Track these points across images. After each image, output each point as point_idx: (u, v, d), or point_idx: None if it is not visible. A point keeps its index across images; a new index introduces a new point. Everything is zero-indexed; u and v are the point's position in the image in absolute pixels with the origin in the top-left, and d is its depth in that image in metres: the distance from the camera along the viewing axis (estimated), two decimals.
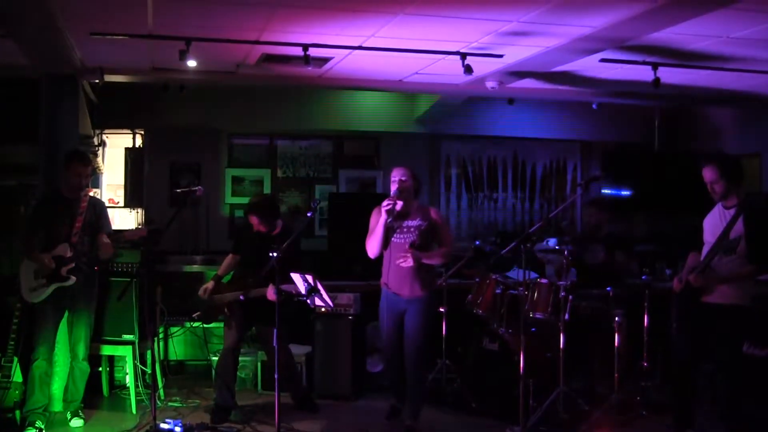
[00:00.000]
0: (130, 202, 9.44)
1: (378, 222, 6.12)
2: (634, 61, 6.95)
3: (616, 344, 6.68)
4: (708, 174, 5.48)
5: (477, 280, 7.19)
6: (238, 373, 7.11)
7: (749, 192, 6.45)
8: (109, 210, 6.73)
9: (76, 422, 6.42)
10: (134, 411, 6.86)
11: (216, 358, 6.99)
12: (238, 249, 6.87)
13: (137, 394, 6.95)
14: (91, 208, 6.40)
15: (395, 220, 6.19)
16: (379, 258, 6.28)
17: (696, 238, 5.68)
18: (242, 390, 7.42)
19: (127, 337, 6.94)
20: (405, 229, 6.18)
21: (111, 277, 6.93)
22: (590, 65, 7.21)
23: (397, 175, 6.16)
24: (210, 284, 6.66)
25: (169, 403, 7.07)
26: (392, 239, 6.21)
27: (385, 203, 6.03)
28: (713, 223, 5.54)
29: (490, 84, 8.00)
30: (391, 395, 6.68)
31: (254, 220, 6.58)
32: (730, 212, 5.40)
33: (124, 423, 6.52)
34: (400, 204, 6.12)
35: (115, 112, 9.00)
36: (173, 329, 8.02)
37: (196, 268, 8.43)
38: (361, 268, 7.99)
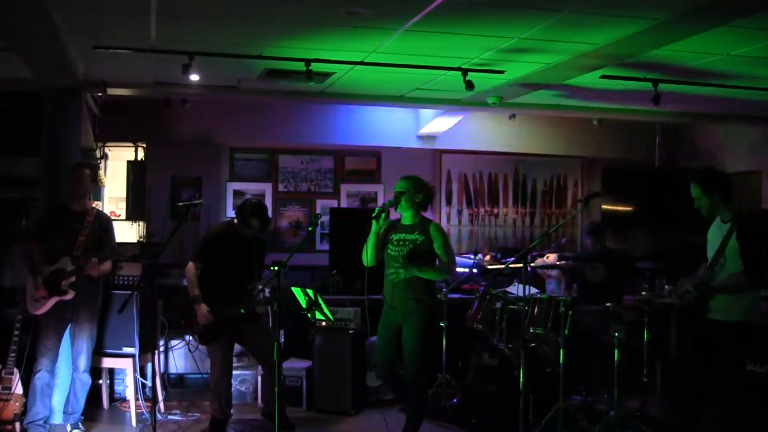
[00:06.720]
0: (131, 215, 9.44)
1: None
2: (635, 78, 6.97)
3: (615, 360, 6.67)
4: (692, 192, 5.56)
5: (477, 295, 7.19)
6: (238, 386, 7.07)
7: (748, 209, 6.47)
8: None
9: None
10: (134, 424, 6.85)
11: None
12: (205, 257, 6.51)
13: (137, 407, 6.95)
14: (97, 223, 6.42)
15: (393, 232, 6.12)
16: (382, 271, 6.21)
17: (697, 255, 5.69)
18: (243, 404, 7.42)
19: (127, 349, 6.95)
20: (401, 242, 6.06)
21: (112, 290, 6.93)
22: (591, 82, 7.23)
23: (397, 186, 6.12)
24: (203, 306, 6.32)
25: (170, 417, 7.06)
26: (387, 251, 6.12)
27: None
28: (714, 237, 5.57)
29: (491, 99, 8.02)
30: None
31: (257, 222, 6.42)
32: (728, 226, 5.44)
33: None
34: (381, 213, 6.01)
35: (117, 125, 9.02)
36: (174, 342, 8.02)
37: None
38: (361, 283, 7.96)
